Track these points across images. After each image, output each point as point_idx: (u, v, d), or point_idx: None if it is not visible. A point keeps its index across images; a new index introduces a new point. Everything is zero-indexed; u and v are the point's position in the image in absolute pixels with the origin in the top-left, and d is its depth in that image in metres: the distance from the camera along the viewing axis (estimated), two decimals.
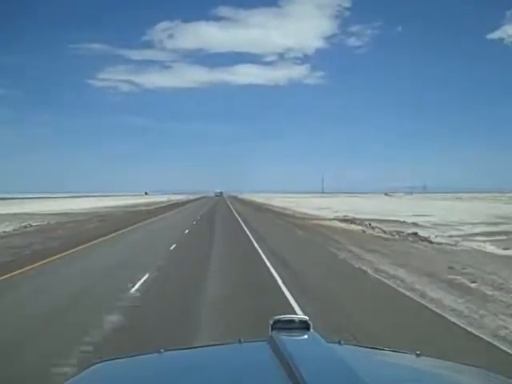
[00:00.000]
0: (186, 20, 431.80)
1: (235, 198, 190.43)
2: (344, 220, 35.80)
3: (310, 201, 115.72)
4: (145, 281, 13.37)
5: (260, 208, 67.82)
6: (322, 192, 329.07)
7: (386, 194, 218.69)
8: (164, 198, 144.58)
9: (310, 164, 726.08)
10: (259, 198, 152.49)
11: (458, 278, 13.33)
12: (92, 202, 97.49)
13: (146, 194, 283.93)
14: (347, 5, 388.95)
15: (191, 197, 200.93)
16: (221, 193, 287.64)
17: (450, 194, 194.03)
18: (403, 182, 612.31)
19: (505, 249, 20.45)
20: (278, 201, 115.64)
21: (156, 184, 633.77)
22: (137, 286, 12.56)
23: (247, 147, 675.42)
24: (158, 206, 74.21)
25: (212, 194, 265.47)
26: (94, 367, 2.05)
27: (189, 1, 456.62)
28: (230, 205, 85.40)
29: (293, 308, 10.13)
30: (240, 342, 2.14)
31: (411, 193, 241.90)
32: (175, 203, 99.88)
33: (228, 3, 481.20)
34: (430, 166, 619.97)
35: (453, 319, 9.27)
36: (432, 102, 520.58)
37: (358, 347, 2.40)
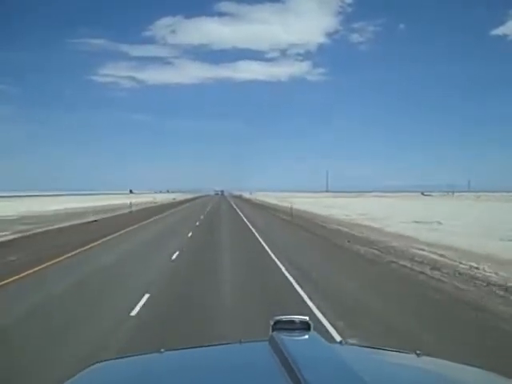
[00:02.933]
0: (189, 15, 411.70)
1: (240, 198, 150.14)
2: None
3: (354, 204, 77.81)
4: None
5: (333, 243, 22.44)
6: (327, 191, 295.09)
7: (422, 194, 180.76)
8: (146, 199, 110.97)
9: (311, 161, 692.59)
10: (271, 199, 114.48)
11: None
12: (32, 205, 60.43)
13: (130, 192, 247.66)
14: (350, 1, 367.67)
15: (186, 196, 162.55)
16: (221, 192, 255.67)
17: (502, 194, 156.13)
18: (426, 179, 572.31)
19: None
20: (302, 203, 77.87)
21: (155, 182, 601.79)
22: None
23: (248, 144, 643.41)
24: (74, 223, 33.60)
25: (212, 193, 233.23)
26: (93, 367, 1.98)
27: None
28: (241, 214, 48.25)
29: None
30: (240, 342, 2.06)
31: (452, 192, 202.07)
32: (146, 209, 62.17)
33: None
34: (468, 163, 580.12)
35: None
36: (439, 99, 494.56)
37: (358, 347, 2.30)
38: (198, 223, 34.68)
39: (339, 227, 30.18)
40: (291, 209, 46.19)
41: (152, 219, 40.24)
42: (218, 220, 40.30)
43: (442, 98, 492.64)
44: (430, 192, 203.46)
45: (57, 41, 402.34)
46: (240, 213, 52.51)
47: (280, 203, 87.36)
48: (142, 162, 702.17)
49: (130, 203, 50.26)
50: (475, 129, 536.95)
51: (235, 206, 72.68)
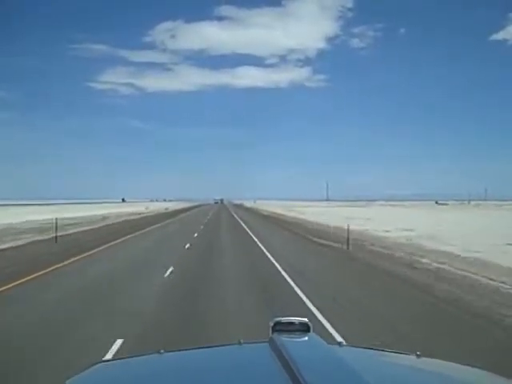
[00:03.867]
0: (188, 20, 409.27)
1: (242, 208, 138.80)
2: None
3: (376, 215, 66.19)
4: None
5: None
6: (327, 199, 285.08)
7: (436, 203, 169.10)
8: (137, 208, 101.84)
9: (310, 169, 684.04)
10: (276, 209, 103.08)
11: None
12: None
13: (123, 201, 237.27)
14: (350, 5, 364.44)
15: (183, 205, 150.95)
16: (221, 200, 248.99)
17: None
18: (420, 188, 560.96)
19: None
20: (313, 213, 66.41)
21: (153, 190, 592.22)
22: None
23: (247, 152, 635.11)
24: None
25: (211, 202, 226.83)
26: (93, 367, 1.95)
27: (191, 0, 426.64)
28: (253, 236, 30.04)
29: None
30: (240, 343, 2.04)
31: (468, 201, 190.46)
32: (114, 224, 50.65)
33: (231, 2, 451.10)
34: (480, 170, 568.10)
35: None
36: (441, 104, 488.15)
37: (358, 349, 2.29)
38: (171, 270, 15.77)
39: (418, 259, 18.26)
40: (348, 231, 24.36)
41: (88, 253, 21.10)
42: (216, 262, 18.39)
43: (443, 104, 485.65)
44: (446, 201, 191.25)
45: (57, 46, 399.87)
46: (249, 232, 35.45)
47: (289, 213, 75.85)
48: (140, 169, 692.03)
49: (56, 222, 27.60)
50: (483, 135, 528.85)
51: (240, 221, 54.43)
